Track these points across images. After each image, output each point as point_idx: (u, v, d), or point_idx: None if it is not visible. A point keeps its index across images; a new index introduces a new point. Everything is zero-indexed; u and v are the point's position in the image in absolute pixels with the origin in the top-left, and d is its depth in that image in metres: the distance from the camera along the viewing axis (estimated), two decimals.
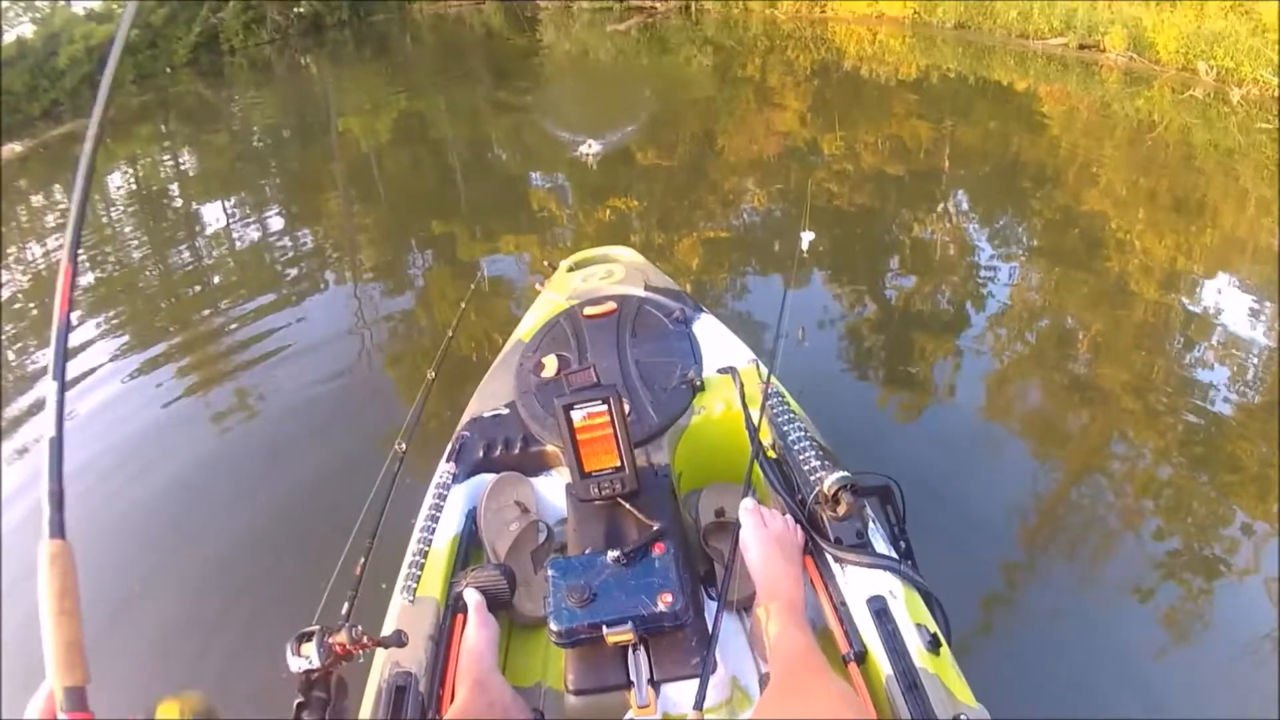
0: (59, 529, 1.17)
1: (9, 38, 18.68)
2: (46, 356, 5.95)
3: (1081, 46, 13.04)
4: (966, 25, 14.68)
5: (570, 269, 3.70)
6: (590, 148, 8.28)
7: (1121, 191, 7.88)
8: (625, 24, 18.39)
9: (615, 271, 3.45)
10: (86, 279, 8.20)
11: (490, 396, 2.75)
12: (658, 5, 18.94)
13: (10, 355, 6.79)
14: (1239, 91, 10.62)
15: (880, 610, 1.75)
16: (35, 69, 18.25)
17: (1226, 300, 5.70)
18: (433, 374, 2.82)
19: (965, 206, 7.78)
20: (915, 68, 13.42)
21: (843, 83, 12.75)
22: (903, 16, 15.64)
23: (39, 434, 5.43)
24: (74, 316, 6.93)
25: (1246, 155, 8.64)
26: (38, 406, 5.74)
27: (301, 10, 21.92)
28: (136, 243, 9.26)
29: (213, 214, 9.59)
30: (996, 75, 12.86)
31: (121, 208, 11.03)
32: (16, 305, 7.99)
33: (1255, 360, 4.95)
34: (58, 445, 1.20)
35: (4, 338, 7.11)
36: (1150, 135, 9.59)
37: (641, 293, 3.14)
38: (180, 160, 13.30)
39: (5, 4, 19.29)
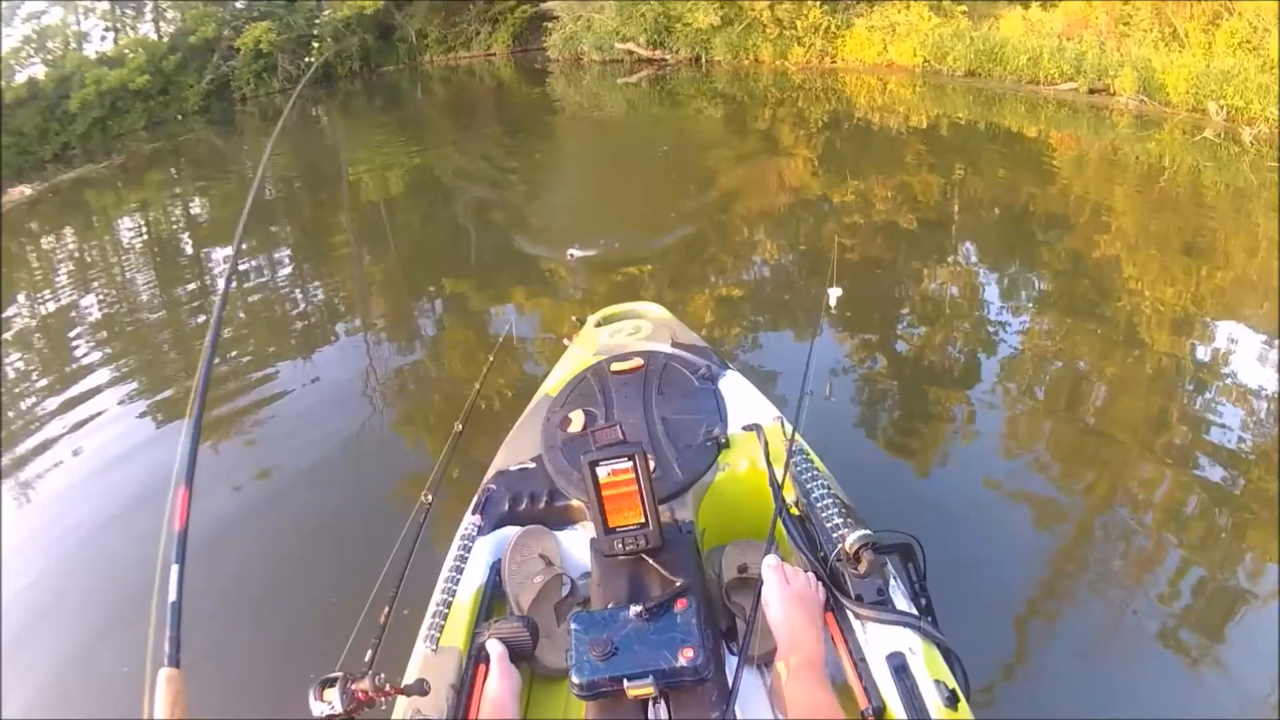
0: (175, 659, 1.48)
1: (20, 78, 18.87)
2: (65, 411, 6.10)
3: (1092, 91, 13.09)
4: (977, 73, 14.76)
5: (598, 324, 3.75)
6: (577, 253, 7.94)
7: (1136, 236, 7.90)
8: (636, 77, 18.60)
9: (642, 327, 3.49)
10: (94, 317, 8.44)
11: (517, 450, 2.78)
12: (668, 58, 19.12)
13: (17, 391, 6.94)
14: (1250, 131, 10.64)
15: (899, 667, 1.76)
16: (47, 111, 18.43)
17: (1239, 344, 5.68)
18: (460, 426, 2.85)
19: (979, 257, 7.76)
20: (926, 116, 13.49)
21: (854, 133, 12.80)
22: (913, 65, 15.72)
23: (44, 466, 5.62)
24: (86, 356, 7.09)
25: (1258, 195, 8.62)
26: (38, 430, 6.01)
27: (313, 60, 22.13)
28: (146, 289, 9.40)
29: (223, 262, 9.66)
30: (1008, 122, 12.91)
31: (132, 254, 11.16)
32: (26, 343, 8.19)
33: (1265, 404, 4.93)
34: (177, 609, 1.55)
35: (11, 376, 7.28)
36: (1161, 178, 9.60)
37: (668, 349, 3.17)
38: (191, 207, 13.45)
39: (16, 44, 19.54)
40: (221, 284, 2.31)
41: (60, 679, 3.70)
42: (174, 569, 1.58)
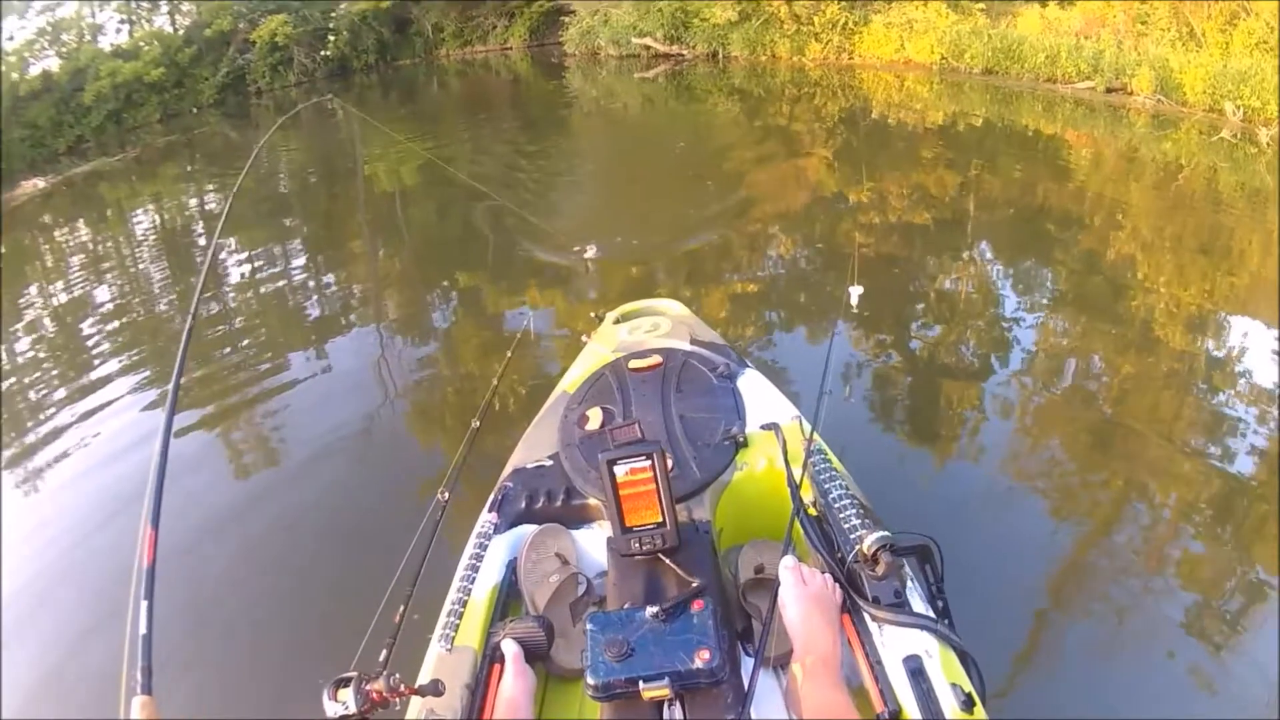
0: (147, 688, 1.55)
1: (34, 70, 18.92)
2: (69, 400, 6.18)
3: (1109, 90, 13.01)
4: (994, 70, 14.67)
5: (616, 321, 3.74)
6: (590, 250, 7.76)
7: (1152, 236, 7.86)
8: (653, 72, 18.57)
9: (661, 324, 3.49)
10: (107, 308, 8.49)
11: (534, 447, 2.77)
12: (685, 53, 19.08)
13: (28, 380, 7.03)
14: (1267, 132, 10.56)
15: (916, 669, 1.76)
16: (61, 104, 18.49)
17: (1255, 343, 5.65)
18: (477, 423, 2.85)
19: (999, 256, 7.72)
20: (943, 114, 13.43)
21: (872, 130, 12.72)
22: (930, 62, 15.64)
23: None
24: (97, 346, 7.11)
25: (1274, 196, 8.52)
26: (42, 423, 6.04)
27: (329, 54, 22.18)
28: (160, 283, 9.41)
29: (237, 256, 9.68)
30: (1025, 120, 12.84)
31: (146, 247, 11.17)
32: (39, 335, 8.28)
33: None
34: (148, 641, 1.62)
35: (22, 364, 7.40)
36: (1178, 178, 9.55)
37: (687, 346, 3.16)
38: (205, 200, 13.39)
39: (30, 36, 19.61)
40: (191, 309, 2.40)
41: (61, 673, 3.72)
42: (143, 604, 1.67)
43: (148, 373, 6.74)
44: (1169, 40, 12.98)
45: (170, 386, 2.21)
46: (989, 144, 11.65)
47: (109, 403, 6.23)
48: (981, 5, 15.99)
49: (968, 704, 1.68)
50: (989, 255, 7.74)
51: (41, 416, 6.27)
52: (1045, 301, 6.63)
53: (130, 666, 1.56)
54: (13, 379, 7.14)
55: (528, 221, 8.64)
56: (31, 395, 6.75)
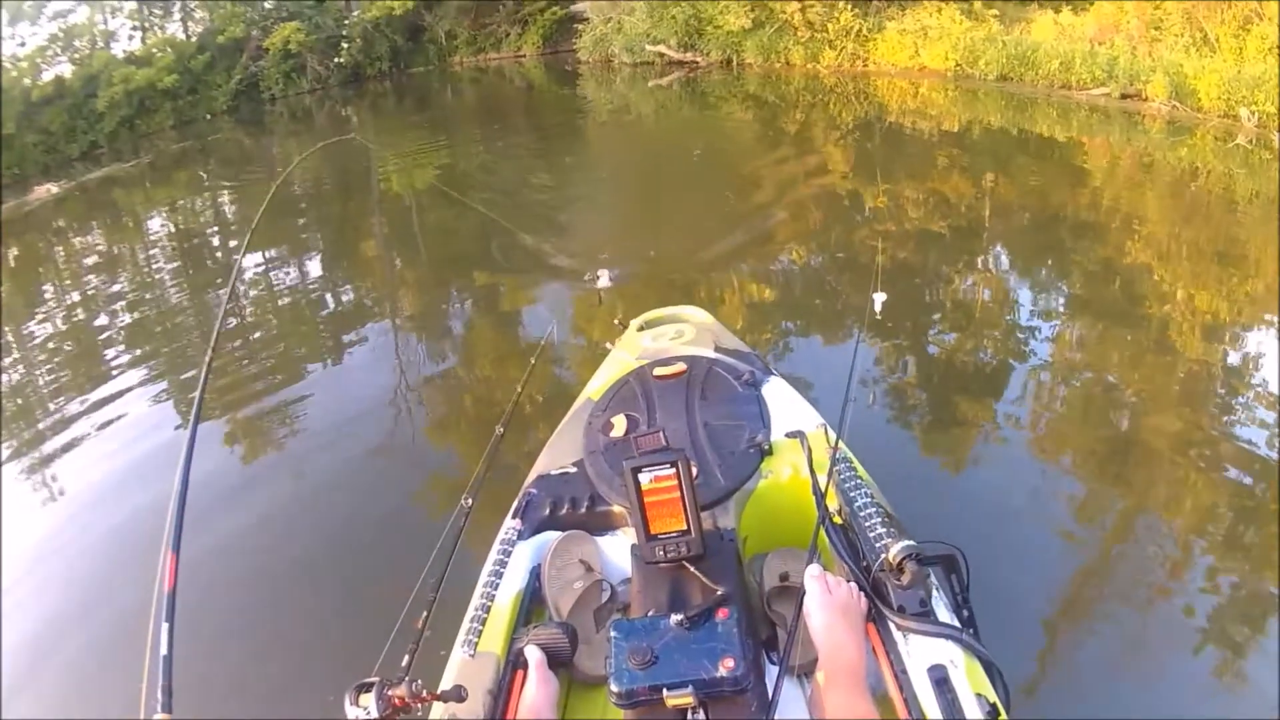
0: (168, 707, 1.55)
1: (46, 76, 19.03)
2: (89, 394, 6.28)
3: (1124, 96, 12.97)
4: (1009, 77, 14.65)
5: (640, 328, 3.73)
6: (603, 278, 7.30)
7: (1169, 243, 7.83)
8: (667, 79, 18.57)
9: (685, 332, 3.48)
10: (123, 319, 8.47)
11: (558, 454, 2.77)
12: (699, 60, 19.09)
13: (41, 382, 7.10)
14: None
15: (940, 679, 1.74)
16: (74, 110, 18.61)
17: (1271, 351, 5.62)
18: (501, 429, 2.86)
19: (1022, 263, 7.71)
20: (958, 121, 13.40)
21: (888, 138, 12.68)
22: (945, 69, 15.61)
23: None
24: (111, 350, 7.16)
25: None
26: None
27: (342, 61, 22.26)
28: (174, 288, 9.44)
29: (252, 261, 9.65)
30: (1040, 127, 12.81)
31: (160, 252, 11.24)
32: (53, 333, 8.35)
33: None
34: (169, 661, 1.64)
35: (37, 357, 7.54)
36: (1193, 184, 9.52)
37: (711, 354, 3.16)
38: (220, 206, 13.49)
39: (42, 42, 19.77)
40: (217, 325, 2.45)
41: (67, 675, 3.75)
42: (164, 626, 1.70)
43: (161, 368, 6.85)
44: (1183, 46, 12.93)
45: (192, 412, 2.22)
46: (1004, 150, 11.65)
47: (123, 391, 6.36)
48: (995, 11, 15.97)
49: (992, 714, 1.67)
50: (1007, 262, 7.73)
51: (51, 407, 6.38)
52: (1064, 308, 6.63)
53: (150, 685, 1.57)
54: (23, 371, 7.26)
55: (545, 235, 8.65)
56: (44, 390, 6.83)
